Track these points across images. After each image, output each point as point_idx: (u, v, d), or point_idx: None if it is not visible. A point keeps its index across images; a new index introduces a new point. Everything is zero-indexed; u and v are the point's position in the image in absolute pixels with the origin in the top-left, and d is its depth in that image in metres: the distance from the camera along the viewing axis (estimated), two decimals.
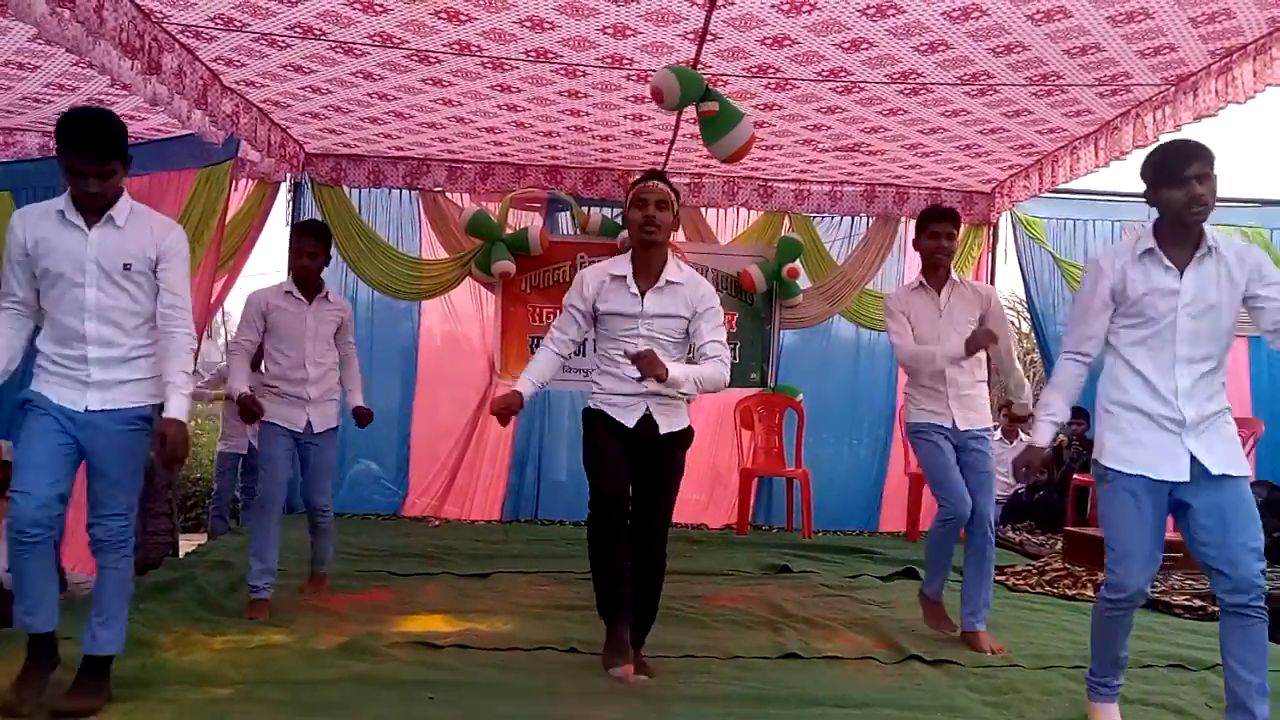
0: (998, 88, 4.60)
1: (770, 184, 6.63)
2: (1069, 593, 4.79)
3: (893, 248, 6.80)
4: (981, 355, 3.80)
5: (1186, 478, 2.61)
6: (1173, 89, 4.44)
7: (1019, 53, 4.15)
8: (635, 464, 3.27)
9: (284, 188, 6.25)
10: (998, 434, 7.35)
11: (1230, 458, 2.63)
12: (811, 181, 6.65)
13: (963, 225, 6.75)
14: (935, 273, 3.87)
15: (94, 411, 2.73)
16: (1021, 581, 4.99)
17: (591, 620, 3.85)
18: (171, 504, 5.56)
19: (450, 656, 3.36)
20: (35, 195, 5.22)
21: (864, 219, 6.82)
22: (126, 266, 2.74)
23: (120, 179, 2.73)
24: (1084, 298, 2.80)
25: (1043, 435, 2.87)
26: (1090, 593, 4.79)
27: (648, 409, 3.26)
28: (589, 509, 3.24)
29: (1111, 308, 2.73)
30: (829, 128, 5.38)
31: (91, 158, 2.63)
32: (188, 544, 5.80)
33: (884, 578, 5.02)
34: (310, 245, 4.00)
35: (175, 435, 2.75)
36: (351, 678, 3.07)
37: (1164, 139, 4.53)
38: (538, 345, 6.03)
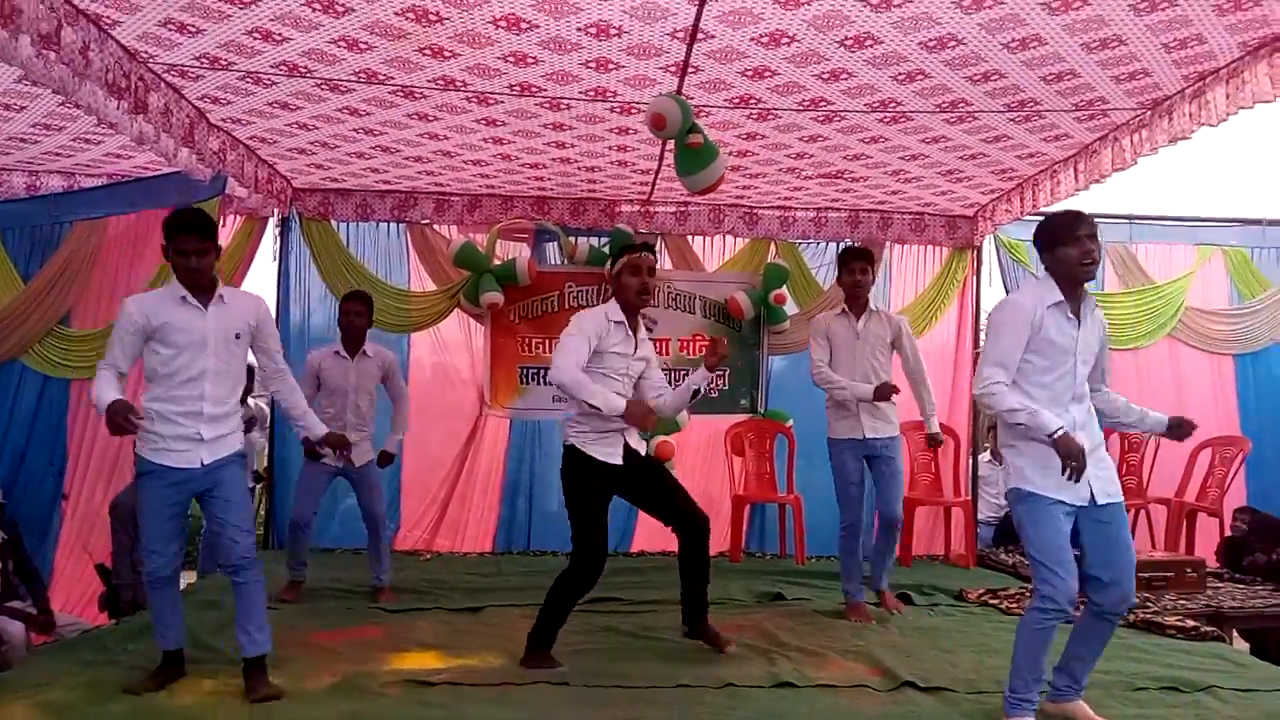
0: (976, 114, 4.66)
1: (755, 211, 6.68)
2: None
3: (878, 273, 6.84)
4: (889, 372, 4.65)
5: (1087, 502, 2.99)
6: (1148, 113, 4.50)
7: (996, 80, 4.21)
8: (632, 489, 3.85)
9: (271, 223, 6.25)
10: (987, 455, 7.37)
11: (1113, 486, 3.07)
12: (796, 208, 6.70)
13: (946, 249, 6.85)
14: (855, 302, 4.68)
15: (208, 464, 3.29)
16: (1015, 605, 4.97)
17: (584, 654, 3.87)
18: None
19: (443, 694, 3.34)
20: (23, 235, 5.27)
21: (849, 244, 6.86)
22: (237, 336, 3.36)
23: (215, 260, 3.31)
24: (1008, 332, 3.01)
25: (1051, 420, 2.93)
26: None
27: (625, 439, 3.75)
28: (576, 559, 3.67)
29: (1024, 345, 3.00)
30: (811, 155, 5.44)
31: (194, 236, 3.24)
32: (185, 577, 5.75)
33: (877, 604, 5.00)
34: (357, 308, 4.83)
35: (335, 440, 3.71)
36: (344, 718, 3.05)
37: (1141, 160, 4.66)
38: (530, 375, 6.20)
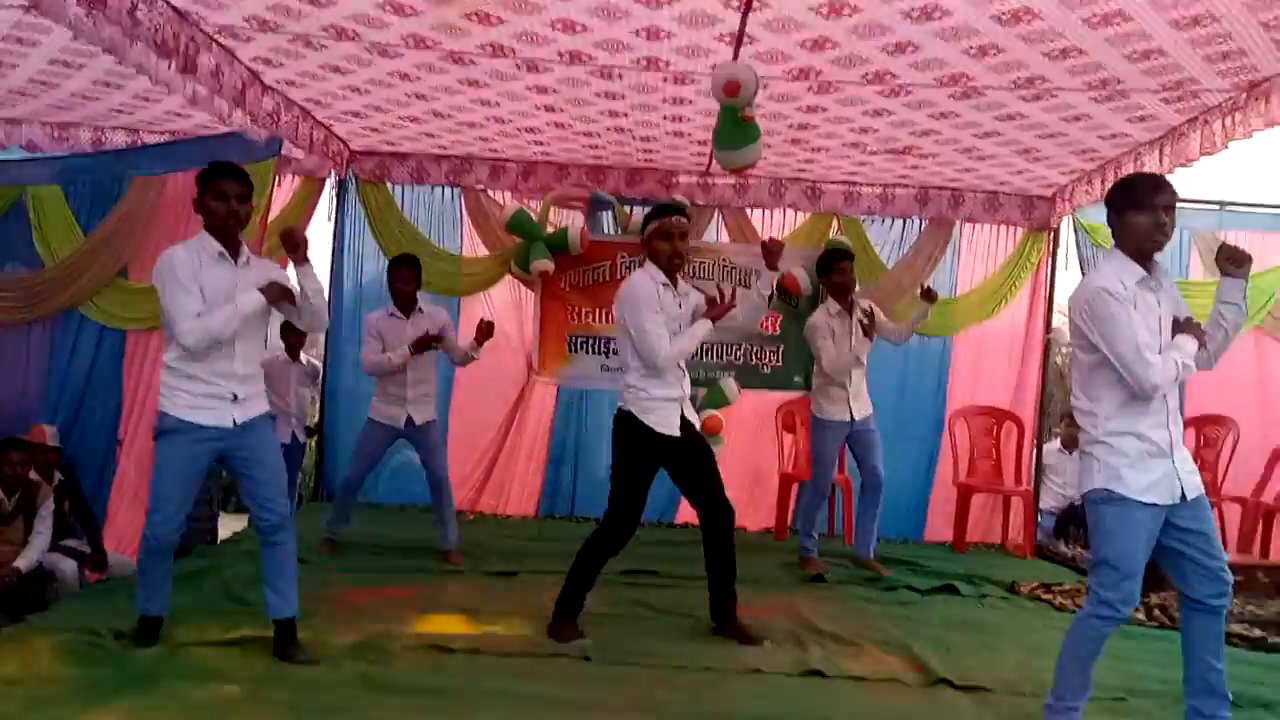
0: (1055, 92, 4.39)
1: (819, 185, 6.47)
2: None
3: (945, 252, 6.59)
4: (865, 365, 5.17)
5: (1178, 500, 2.77)
6: (1243, 95, 4.18)
7: (1076, 57, 3.95)
8: (679, 464, 3.78)
9: (328, 184, 6.29)
10: (1057, 443, 7.09)
11: (1197, 477, 2.85)
12: (862, 184, 6.47)
13: (1021, 230, 6.54)
14: (845, 299, 5.18)
15: (240, 424, 3.23)
16: (1069, 601, 4.76)
17: (610, 627, 3.82)
18: (211, 491, 5.64)
19: (460, 662, 3.32)
20: (85, 189, 5.37)
21: (917, 221, 6.62)
22: None
23: (250, 213, 3.27)
24: (1121, 322, 2.74)
25: (1186, 343, 2.82)
26: (1142, 615, 4.55)
27: (681, 410, 3.73)
28: (607, 523, 3.71)
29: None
30: (877, 130, 5.22)
31: (231, 178, 3.19)
32: (238, 524, 5.88)
33: (923, 591, 4.84)
34: (404, 275, 4.86)
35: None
36: (358, 680, 3.05)
37: (1233, 144, 4.34)
38: (579, 343, 6.13)
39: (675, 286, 3.77)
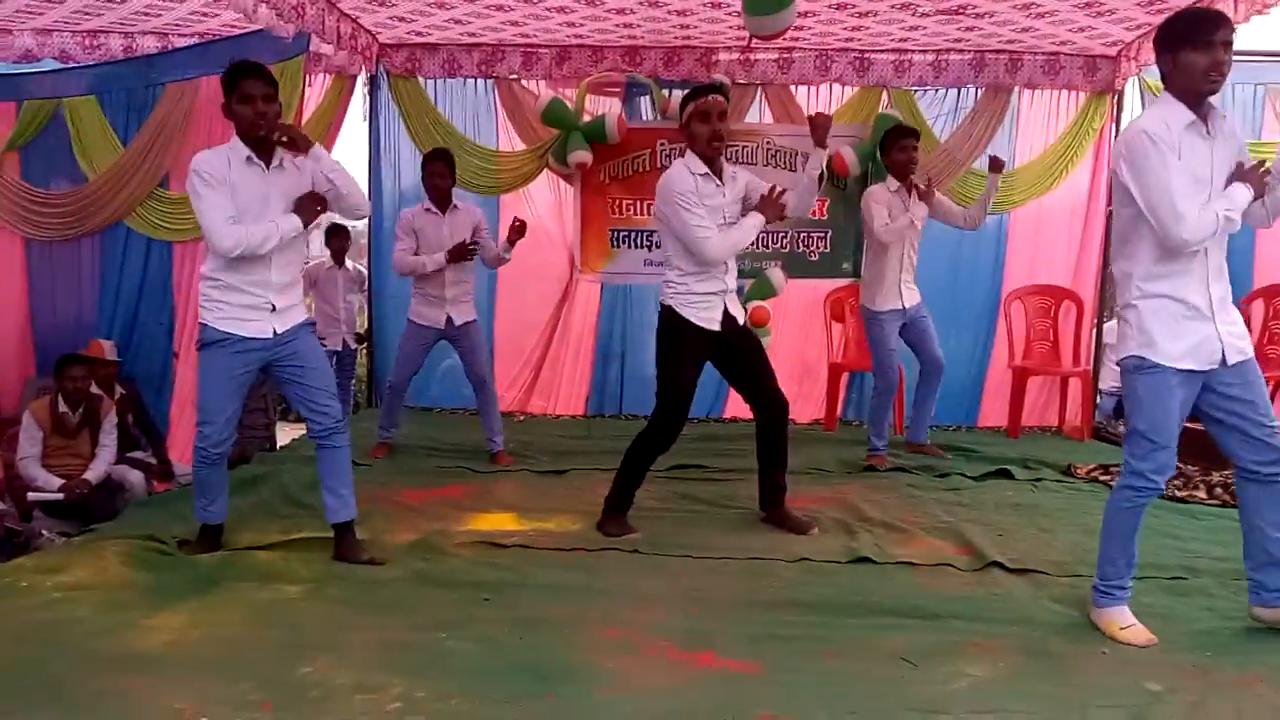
0: None
1: (867, 55, 6.14)
2: (1179, 494, 4.43)
3: (1004, 121, 6.26)
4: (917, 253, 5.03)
5: (1217, 365, 2.62)
6: None
7: None
8: (723, 359, 3.73)
9: (360, 82, 6.15)
10: (1115, 321, 6.86)
11: (1243, 341, 2.68)
12: (913, 51, 6.13)
13: (1083, 94, 6.17)
14: (906, 179, 4.94)
15: (280, 334, 3.21)
16: None
17: (659, 520, 3.85)
18: (268, 399, 5.76)
19: (513, 557, 3.37)
20: (119, 98, 5.34)
21: (971, 90, 6.27)
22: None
23: (279, 112, 3.15)
24: (1159, 170, 2.51)
25: (1238, 194, 2.61)
26: (1203, 494, 4.45)
27: (725, 305, 3.64)
28: (655, 420, 3.69)
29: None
30: None
31: (253, 77, 3.06)
32: (297, 431, 6.03)
33: (976, 477, 4.77)
34: (440, 169, 4.75)
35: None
36: (413, 577, 3.12)
37: None
38: (621, 238, 6.02)
39: (718, 173, 3.61)
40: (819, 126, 3.83)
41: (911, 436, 5.30)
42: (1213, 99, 2.62)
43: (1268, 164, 2.70)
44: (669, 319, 3.63)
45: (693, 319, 3.59)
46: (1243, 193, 2.59)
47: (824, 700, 2.29)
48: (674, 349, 3.64)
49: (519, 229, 4.80)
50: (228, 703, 2.16)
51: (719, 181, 3.60)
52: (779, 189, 3.68)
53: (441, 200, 4.81)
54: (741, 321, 3.75)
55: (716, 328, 3.62)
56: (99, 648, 2.47)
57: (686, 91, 3.70)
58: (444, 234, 4.77)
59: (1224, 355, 2.61)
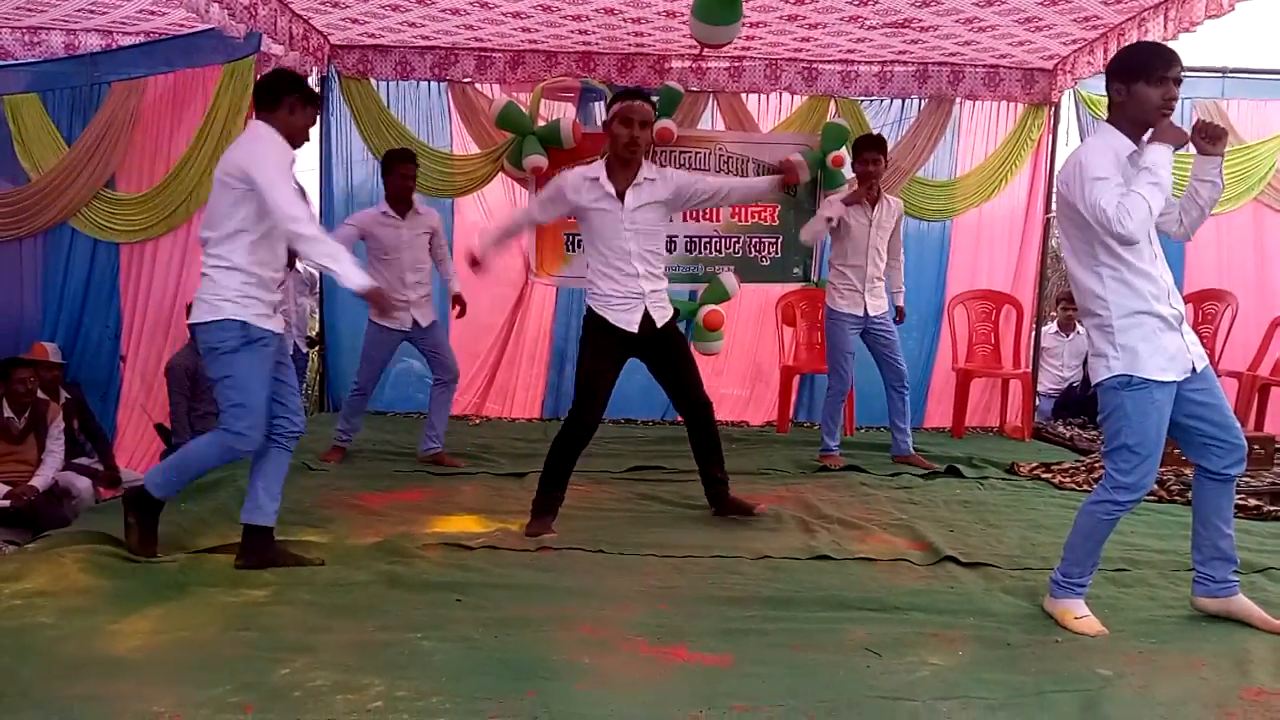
0: None
1: (815, 66, 6.29)
2: None
3: (945, 131, 6.46)
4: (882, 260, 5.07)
5: (1190, 372, 2.74)
6: None
7: None
8: (651, 362, 3.80)
9: (311, 83, 6.08)
10: (1054, 326, 7.11)
11: (1200, 348, 2.81)
12: (859, 62, 6.30)
13: (1021, 105, 6.40)
14: (869, 191, 4.99)
15: (278, 332, 3.19)
16: (1068, 479, 4.86)
17: (622, 521, 3.90)
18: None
19: (480, 558, 3.38)
20: (63, 96, 5.21)
21: (916, 101, 6.46)
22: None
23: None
24: (1098, 186, 2.59)
25: (1157, 151, 2.64)
26: None
27: (645, 308, 3.67)
28: (570, 417, 3.75)
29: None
30: (876, 2, 5.04)
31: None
32: None
33: (924, 476, 4.94)
34: (407, 170, 4.68)
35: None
36: (381, 579, 3.11)
37: (1239, 6, 4.20)
38: (575, 242, 6.06)
39: (618, 178, 3.60)
40: (789, 171, 3.87)
41: (895, 450, 5.27)
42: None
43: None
44: (588, 317, 3.75)
45: (609, 319, 3.67)
46: (1159, 151, 2.63)
47: (794, 690, 2.36)
48: (589, 346, 3.73)
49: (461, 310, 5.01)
50: (207, 705, 2.15)
51: (611, 190, 3.60)
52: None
53: (404, 202, 4.75)
54: (661, 324, 3.74)
55: (634, 330, 3.67)
56: (68, 654, 2.43)
57: (657, 100, 3.78)
58: (402, 239, 4.73)
59: (1193, 363, 2.74)
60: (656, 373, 3.88)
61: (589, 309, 3.73)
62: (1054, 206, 6.82)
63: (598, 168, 3.66)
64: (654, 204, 3.68)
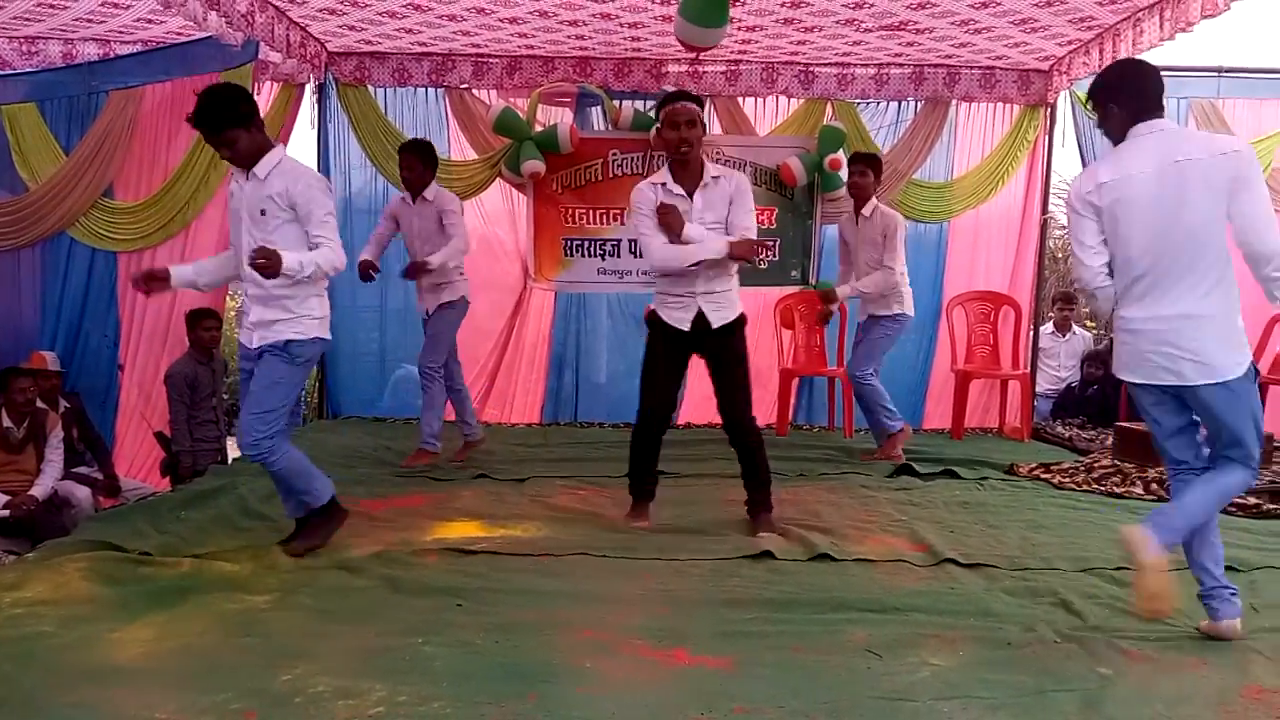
0: None
1: (811, 69, 6.31)
2: (1117, 491, 4.65)
3: (942, 133, 6.48)
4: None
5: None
6: None
7: None
8: (706, 361, 3.86)
9: (309, 90, 6.11)
10: (1051, 326, 7.12)
11: None
12: (855, 64, 6.31)
13: (1017, 107, 6.42)
14: (858, 202, 5.27)
15: (253, 350, 3.31)
16: (1068, 479, 4.86)
17: (621, 526, 3.89)
18: (218, 411, 5.65)
19: (481, 563, 3.38)
20: (60, 106, 5.22)
21: (912, 103, 6.48)
22: (262, 212, 3.19)
23: (241, 139, 3.14)
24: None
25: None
26: (1140, 490, 4.65)
27: (699, 308, 3.73)
28: (638, 412, 3.88)
29: None
30: (872, 4, 5.06)
31: (204, 130, 3.19)
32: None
33: (924, 477, 4.94)
34: (406, 160, 4.85)
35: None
36: (383, 585, 3.11)
37: (1235, 6, 4.21)
38: (574, 247, 6.07)
39: (684, 180, 3.70)
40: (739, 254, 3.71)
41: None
42: None
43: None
44: (649, 317, 3.94)
45: (662, 316, 3.81)
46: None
47: (795, 691, 2.36)
48: (649, 341, 3.91)
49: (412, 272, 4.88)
50: (209, 712, 2.15)
51: (681, 192, 3.71)
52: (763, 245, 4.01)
53: (412, 190, 4.91)
54: (717, 325, 3.76)
55: (686, 328, 3.76)
56: (70, 661, 2.43)
57: (654, 105, 3.82)
58: (412, 226, 4.94)
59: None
60: (711, 376, 3.90)
61: (651, 310, 3.91)
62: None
63: (662, 174, 3.76)
64: (717, 204, 3.74)
